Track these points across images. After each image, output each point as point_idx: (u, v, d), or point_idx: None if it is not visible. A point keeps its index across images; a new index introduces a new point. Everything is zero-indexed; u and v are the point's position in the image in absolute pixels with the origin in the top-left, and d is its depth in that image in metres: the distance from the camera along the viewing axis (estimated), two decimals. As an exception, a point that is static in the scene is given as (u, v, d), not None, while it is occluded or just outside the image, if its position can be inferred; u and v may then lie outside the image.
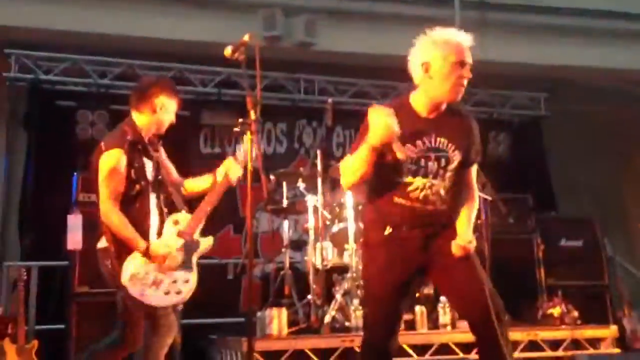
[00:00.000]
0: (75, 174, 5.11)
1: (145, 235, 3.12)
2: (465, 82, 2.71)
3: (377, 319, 2.78)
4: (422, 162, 2.70)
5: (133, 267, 3.08)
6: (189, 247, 3.21)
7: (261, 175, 3.22)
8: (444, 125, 2.74)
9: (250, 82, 3.24)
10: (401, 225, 2.72)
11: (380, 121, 2.50)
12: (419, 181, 2.70)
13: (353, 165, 2.63)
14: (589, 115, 7.73)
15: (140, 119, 3.28)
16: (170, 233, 3.22)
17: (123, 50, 6.59)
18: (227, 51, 3.17)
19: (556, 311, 4.98)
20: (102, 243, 3.15)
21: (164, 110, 3.29)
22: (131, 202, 3.14)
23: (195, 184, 3.49)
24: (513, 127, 7.75)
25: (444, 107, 2.77)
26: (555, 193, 7.51)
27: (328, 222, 4.98)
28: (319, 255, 4.73)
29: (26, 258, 5.57)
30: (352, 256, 4.67)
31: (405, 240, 2.72)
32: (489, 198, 5.23)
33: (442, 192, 2.74)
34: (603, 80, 7.63)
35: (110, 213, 3.08)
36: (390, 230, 2.73)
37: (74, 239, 4.66)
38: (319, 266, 4.74)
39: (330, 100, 5.42)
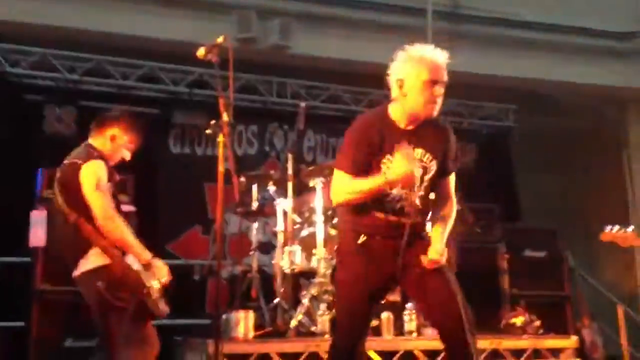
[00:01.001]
0: (40, 169, 5.01)
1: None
2: (438, 99, 2.76)
3: (347, 324, 2.83)
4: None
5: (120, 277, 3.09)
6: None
7: (233, 176, 3.20)
8: (421, 136, 2.80)
9: (223, 83, 3.22)
10: (375, 234, 2.77)
11: (409, 168, 2.60)
12: (396, 192, 2.74)
13: (356, 189, 2.71)
14: (556, 128, 7.89)
15: (97, 144, 3.31)
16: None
17: (93, 45, 6.50)
18: (201, 52, 3.15)
19: (519, 320, 5.05)
20: (91, 263, 3.08)
21: (116, 142, 3.31)
22: None
23: None
24: (481, 137, 7.86)
25: (421, 119, 2.81)
26: (520, 204, 7.64)
27: (297, 226, 4.98)
28: (287, 259, 4.72)
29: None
30: (320, 261, 4.67)
31: (379, 250, 2.77)
32: (457, 207, 5.28)
33: (418, 202, 2.78)
34: (570, 95, 7.79)
35: (115, 218, 3.08)
36: (364, 238, 2.77)
37: (37, 235, 4.57)
38: (287, 270, 4.73)
39: (303, 104, 5.43)
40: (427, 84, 2.71)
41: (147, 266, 3.15)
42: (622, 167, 8.16)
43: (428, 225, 2.91)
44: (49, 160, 5.27)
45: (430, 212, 2.88)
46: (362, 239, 2.78)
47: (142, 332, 3.17)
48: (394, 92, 2.79)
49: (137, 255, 3.12)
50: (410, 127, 2.81)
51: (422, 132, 2.81)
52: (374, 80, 7.35)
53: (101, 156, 3.21)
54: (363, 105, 7.48)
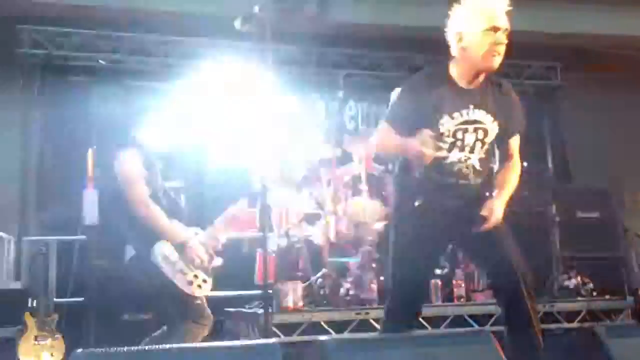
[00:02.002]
0: (89, 149, 5.12)
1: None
2: (500, 48, 2.62)
3: (403, 289, 2.79)
4: (460, 134, 2.68)
5: (166, 248, 3.20)
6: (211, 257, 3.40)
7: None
8: (482, 97, 2.70)
9: (261, 54, 3.20)
10: (432, 198, 2.71)
11: (426, 152, 2.50)
12: (454, 155, 2.69)
13: (385, 145, 2.80)
14: (605, 84, 7.61)
15: None
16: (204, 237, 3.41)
17: (134, 23, 6.55)
18: (237, 23, 3.12)
19: (572, 283, 4.97)
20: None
21: None
22: None
23: None
24: (529, 97, 7.65)
25: (482, 77, 2.72)
26: (570, 164, 7.44)
27: (342, 196, 4.97)
28: (333, 228, 4.73)
29: (44, 232, 5.62)
30: (366, 229, 4.67)
31: (436, 213, 2.70)
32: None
33: (477, 165, 2.72)
34: (619, 48, 7.49)
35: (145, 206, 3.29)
36: (421, 202, 2.71)
37: (91, 214, 4.69)
38: (333, 239, 4.74)
39: (343, 73, 5.37)
40: (487, 33, 2.58)
41: (180, 248, 3.23)
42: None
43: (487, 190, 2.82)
44: (97, 140, 5.42)
45: (490, 176, 2.81)
46: (418, 202, 2.71)
47: (195, 306, 3.24)
48: (453, 47, 2.68)
49: (170, 238, 3.22)
50: (470, 87, 2.71)
51: (483, 92, 2.72)
52: (414, 45, 7.31)
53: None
54: (404, 70, 7.36)
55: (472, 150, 2.70)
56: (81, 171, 5.15)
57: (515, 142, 2.86)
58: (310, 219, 5.33)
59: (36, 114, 6.25)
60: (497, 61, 2.64)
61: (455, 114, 2.66)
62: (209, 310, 3.33)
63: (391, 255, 2.85)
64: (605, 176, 6.97)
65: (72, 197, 5.12)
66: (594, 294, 4.98)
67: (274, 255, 4.94)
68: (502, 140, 2.80)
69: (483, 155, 2.74)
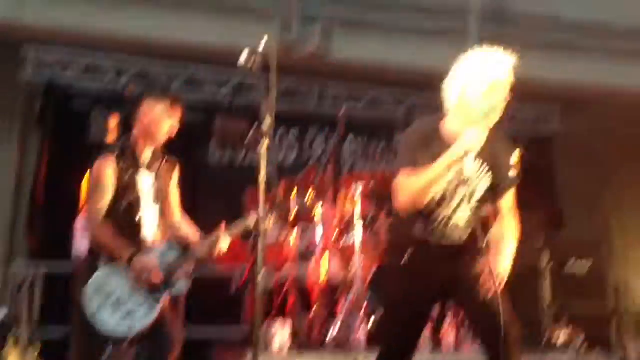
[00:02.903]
0: (86, 176, 5.10)
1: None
2: (497, 106, 2.60)
3: (394, 339, 2.79)
4: (449, 191, 2.65)
5: (101, 277, 2.94)
6: (161, 284, 2.96)
7: (273, 183, 3.19)
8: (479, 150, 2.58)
9: (265, 88, 3.21)
10: (417, 258, 2.69)
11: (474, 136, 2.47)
12: (442, 212, 2.65)
13: (426, 179, 2.53)
14: (603, 132, 7.67)
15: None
16: (155, 256, 3.01)
17: (139, 50, 6.60)
18: (243, 55, 3.13)
19: (562, 335, 4.93)
20: None
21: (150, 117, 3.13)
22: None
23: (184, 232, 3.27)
24: (524, 141, 7.67)
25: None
26: (564, 212, 7.45)
27: (336, 235, 4.96)
28: (325, 268, 4.71)
29: (33, 258, 5.58)
30: (358, 271, 4.64)
31: (422, 272, 2.69)
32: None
33: (465, 224, 2.68)
34: (617, 99, 7.56)
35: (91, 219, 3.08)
36: (407, 260, 2.69)
37: (82, 242, 4.66)
38: (325, 279, 4.71)
39: (343, 108, 5.40)
40: (488, 95, 2.58)
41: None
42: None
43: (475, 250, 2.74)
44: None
45: (479, 235, 2.69)
46: (404, 259, 2.70)
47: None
48: (450, 103, 2.67)
49: (118, 256, 2.93)
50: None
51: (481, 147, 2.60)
52: (414, 84, 7.37)
53: (119, 149, 3.10)
54: (404, 109, 7.42)
55: (458, 207, 2.67)
56: (78, 198, 5.13)
57: (508, 200, 2.81)
58: (303, 257, 5.31)
59: (35, 137, 6.26)
60: (493, 120, 2.62)
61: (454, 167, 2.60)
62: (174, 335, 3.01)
63: (384, 305, 2.92)
64: (600, 227, 6.98)
65: (65, 225, 5.09)
66: (584, 347, 4.94)
67: (263, 293, 4.91)
68: (494, 194, 2.73)
69: (472, 213, 2.68)
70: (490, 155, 2.67)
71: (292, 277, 5.01)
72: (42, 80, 6.32)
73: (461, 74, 2.64)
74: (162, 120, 3.12)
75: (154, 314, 2.91)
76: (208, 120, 6.72)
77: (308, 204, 5.24)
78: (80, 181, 5.07)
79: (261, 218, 2.86)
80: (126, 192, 3.02)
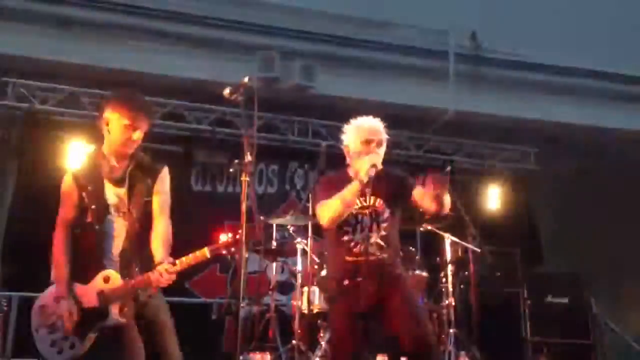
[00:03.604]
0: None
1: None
2: (377, 155, 3.18)
3: (340, 346, 3.13)
4: (359, 217, 3.21)
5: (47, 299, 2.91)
6: (92, 316, 2.83)
7: (254, 216, 3.18)
8: (375, 186, 3.16)
9: (246, 122, 3.24)
10: (351, 276, 3.14)
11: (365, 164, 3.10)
12: (357, 236, 3.19)
13: (337, 201, 3.12)
14: (578, 171, 7.82)
15: (104, 143, 3.01)
16: (95, 285, 2.86)
17: (120, 83, 6.61)
18: (226, 92, 3.15)
19: (541, 368, 4.94)
20: None
21: (110, 125, 2.93)
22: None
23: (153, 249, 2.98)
24: (503, 180, 7.81)
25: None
26: (543, 248, 7.53)
27: (316, 267, 4.94)
28: (306, 299, 4.68)
29: (7, 287, 5.47)
30: (338, 302, 4.61)
31: (358, 289, 3.05)
32: (477, 250, 5.23)
33: (380, 241, 3.20)
34: (592, 138, 7.74)
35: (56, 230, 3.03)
36: (346, 282, 3.15)
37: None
38: (305, 311, 4.68)
39: (324, 144, 5.45)
40: (363, 142, 3.26)
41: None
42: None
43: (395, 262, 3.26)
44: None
45: (394, 249, 3.25)
46: (345, 282, 3.15)
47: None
48: (347, 156, 3.35)
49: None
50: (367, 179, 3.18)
51: (377, 182, 3.15)
52: (394, 121, 7.47)
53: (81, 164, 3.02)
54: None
55: (370, 230, 3.18)
56: (53, 227, 5.06)
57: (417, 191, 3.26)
58: (283, 288, 5.28)
59: (13, 167, 6.21)
60: (371, 170, 3.09)
61: (357, 200, 3.18)
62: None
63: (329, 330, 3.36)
64: (577, 263, 7.05)
65: (42, 253, 5.00)
66: (564, 380, 4.94)
67: (243, 323, 4.85)
68: (393, 218, 3.27)
69: (382, 233, 3.20)
70: (386, 192, 3.24)
71: (272, 308, 4.97)
72: (22, 109, 6.29)
73: (347, 133, 3.39)
74: (119, 133, 2.92)
75: (80, 347, 2.83)
76: (189, 152, 6.73)
77: (288, 236, 5.24)
78: (57, 209, 5.02)
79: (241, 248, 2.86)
80: (87, 209, 2.91)
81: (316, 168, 6.88)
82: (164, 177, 3.06)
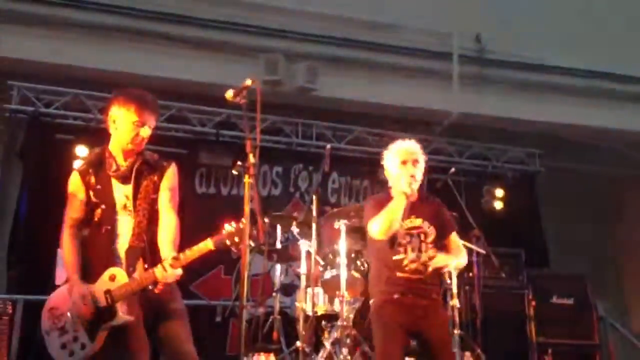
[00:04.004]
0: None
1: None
2: (413, 176, 3.51)
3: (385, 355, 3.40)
4: (409, 238, 3.50)
5: (56, 299, 2.90)
6: (101, 315, 2.81)
7: (258, 217, 3.17)
8: (418, 209, 3.59)
9: (250, 125, 3.24)
10: (401, 292, 3.44)
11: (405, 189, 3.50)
12: (410, 254, 3.47)
13: (384, 214, 3.44)
14: (583, 173, 7.80)
15: (111, 140, 3.02)
16: (101, 284, 2.85)
17: (124, 86, 6.62)
18: (229, 94, 3.14)
19: (546, 370, 4.92)
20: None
21: (117, 123, 2.95)
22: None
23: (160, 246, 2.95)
24: (507, 181, 7.79)
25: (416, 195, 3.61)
26: (548, 249, 7.51)
27: (320, 269, 4.94)
28: (310, 301, 4.67)
29: (12, 290, 5.48)
30: (342, 304, 4.61)
31: (407, 305, 3.41)
32: (482, 251, 5.23)
33: (429, 262, 3.46)
34: (598, 140, 7.72)
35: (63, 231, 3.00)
36: (397, 296, 3.44)
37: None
38: (309, 312, 4.67)
39: (328, 146, 5.44)
40: (402, 164, 3.58)
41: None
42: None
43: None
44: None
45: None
46: (393, 295, 3.44)
47: None
48: (389, 178, 3.71)
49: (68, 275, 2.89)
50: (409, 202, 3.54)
51: (419, 205, 3.61)
52: (398, 123, 7.49)
53: (86, 163, 2.99)
54: (386, 147, 7.49)
55: (419, 250, 3.48)
56: (59, 230, 5.07)
57: (455, 239, 3.71)
58: (287, 290, 5.28)
59: (18, 170, 6.23)
60: (410, 186, 3.50)
61: (406, 222, 3.52)
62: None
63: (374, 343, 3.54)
64: (582, 264, 7.04)
65: (47, 256, 5.03)
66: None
67: (248, 325, 4.85)
68: (439, 241, 3.59)
69: (432, 254, 3.48)
70: (430, 214, 3.60)
71: (277, 310, 4.97)
72: (27, 113, 6.32)
73: (386, 158, 3.71)
74: (126, 130, 2.94)
75: (91, 347, 2.80)
76: (193, 154, 6.74)
77: (292, 238, 5.24)
78: (62, 211, 5.04)
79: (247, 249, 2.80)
80: (97, 204, 2.91)
81: (320, 170, 6.89)
82: (172, 173, 3.05)
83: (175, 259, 2.81)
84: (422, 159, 3.64)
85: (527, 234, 7.40)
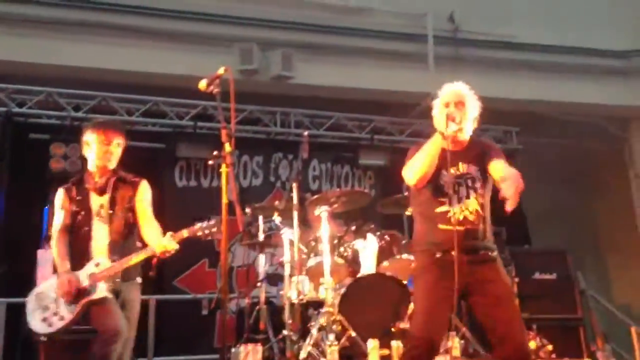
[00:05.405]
0: (46, 207, 5.03)
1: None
2: (450, 117, 3.15)
3: (422, 332, 3.03)
4: (455, 187, 3.16)
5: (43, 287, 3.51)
6: (82, 293, 3.40)
7: (237, 208, 3.18)
8: (465, 156, 3.22)
9: (226, 115, 3.22)
10: (443, 249, 3.06)
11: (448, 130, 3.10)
12: (455, 206, 3.11)
13: (420, 154, 3.12)
14: (561, 148, 7.88)
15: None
16: (86, 270, 3.44)
17: (98, 83, 6.58)
18: (202, 84, 3.15)
19: (531, 345, 4.97)
20: None
21: (89, 146, 3.57)
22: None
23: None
24: (487, 160, 7.82)
25: (466, 139, 3.25)
26: (528, 226, 7.58)
27: (304, 256, 4.95)
28: (295, 289, 4.68)
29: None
30: (327, 290, 4.62)
31: (452, 263, 2.96)
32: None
33: (479, 209, 3.14)
34: (574, 114, 7.80)
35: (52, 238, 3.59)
36: (440, 254, 3.08)
37: (44, 274, 4.56)
38: (295, 301, 4.68)
39: (306, 133, 5.43)
40: (443, 107, 3.22)
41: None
42: (629, 185, 8.12)
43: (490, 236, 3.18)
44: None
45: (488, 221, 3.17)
46: (438, 254, 3.07)
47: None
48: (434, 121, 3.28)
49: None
50: (456, 149, 3.20)
51: (466, 150, 3.24)
52: (376, 107, 7.49)
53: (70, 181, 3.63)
54: (367, 132, 7.51)
55: (468, 198, 3.13)
56: (37, 230, 5.04)
57: (497, 164, 3.20)
58: (272, 279, 5.29)
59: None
60: (452, 128, 3.15)
61: (452, 169, 3.15)
62: None
63: (414, 302, 3.23)
64: (563, 239, 7.12)
65: (27, 257, 4.97)
66: (553, 355, 4.99)
67: (234, 316, 4.85)
68: (487, 184, 3.21)
69: (480, 200, 3.14)
70: (476, 159, 3.22)
71: (263, 300, 4.97)
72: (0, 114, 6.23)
73: (434, 105, 3.31)
74: (97, 149, 3.54)
75: (69, 318, 3.39)
76: (172, 147, 6.69)
77: (275, 227, 5.24)
78: (41, 211, 5.00)
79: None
80: (77, 214, 3.53)
81: (299, 157, 6.89)
82: (144, 187, 3.65)
83: (173, 235, 3.44)
84: (470, 103, 3.25)
85: (507, 212, 7.44)
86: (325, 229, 4.85)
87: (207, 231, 3.44)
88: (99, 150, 3.53)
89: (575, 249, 6.60)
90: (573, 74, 7.42)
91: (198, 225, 3.46)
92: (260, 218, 5.28)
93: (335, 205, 4.92)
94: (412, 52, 7.05)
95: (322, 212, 4.87)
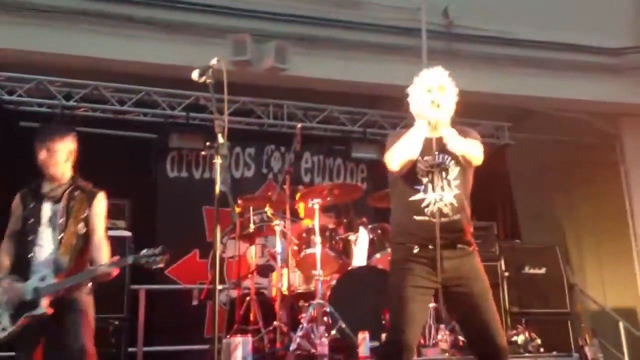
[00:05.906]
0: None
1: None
2: (435, 103, 3.11)
3: (400, 319, 2.96)
4: (430, 176, 3.08)
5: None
6: (25, 306, 3.27)
7: (229, 200, 3.16)
8: (443, 143, 3.10)
9: (218, 106, 3.21)
10: (423, 241, 3.01)
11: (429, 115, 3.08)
12: (429, 195, 3.04)
13: (402, 141, 3.07)
14: (552, 144, 7.91)
15: None
16: (30, 284, 3.31)
17: (90, 71, 6.53)
18: (194, 74, 3.13)
19: (519, 339, 5.01)
20: None
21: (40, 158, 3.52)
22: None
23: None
24: (478, 155, 7.84)
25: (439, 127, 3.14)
26: (519, 221, 7.62)
27: (295, 248, 4.96)
28: (286, 281, 4.70)
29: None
30: (318, 282, 4.64)
31: (430, 259, 2.97)
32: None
33: (454, 201, 3.05)
34: (565, 110, 7.82)
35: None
36: (417, 249, 3.01)
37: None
38: (286, 292, 4.70)
39: (299, 125, 5.44)
40: (425, 91, 3.16)
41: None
42: (619, 181, 8.17)
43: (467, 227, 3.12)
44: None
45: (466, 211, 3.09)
46: (415, 249, 3.01)
47: None
48: (412, 108, 3.26)
49: None
50: (433, 137, 3.12)
51: (443, 138, 3.11)
52: (369, 101, 7.49)
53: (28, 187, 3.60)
54: (359, 125, 7.52)
55: (442, 189, 3.05)
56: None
57: (475, 148, 3.16)
58: (263, 270, 5.29)
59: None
60: (434, 112, 3.10)
61: (426, 157, 3.10)
62: None
63: (389, 292, 3.09)
64: (553, 233, 7.16)
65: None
66: (542, 349, 5.03)
67: (225, 307, 4.85)
68: (463, 173, 3.14)
69: (457, 192, 3.06)
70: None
71: (253, 290, 4.98)
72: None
73: (410, 91, 3.28)
74: (42, 158, 3.50)
75: (11, 329, 3.25)
76: (163, 138, 6.67)
77: (267, 219, 5.25)
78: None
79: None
80: (27, 220, 3.45)
81: (292, 150, 6.88)
82: (100, 200, 3.55)
83: (113, 261, 3.37)
84: (450, 88, 3.17)
85: (499, 207, 7.50)
86: (317, 221, 4.87)
87: (151, 259, 3.33)
88: (44, 161, 3.49)
89: (565, 244, 6.66)
90: (566, 70, 7.42)
91: (143, 252, 3.36)
92: (252, 209, 5.29)
93: (328, 198, 4.94)
94: (405, 45, 7.03)
95: (314, 204, 4.89)
